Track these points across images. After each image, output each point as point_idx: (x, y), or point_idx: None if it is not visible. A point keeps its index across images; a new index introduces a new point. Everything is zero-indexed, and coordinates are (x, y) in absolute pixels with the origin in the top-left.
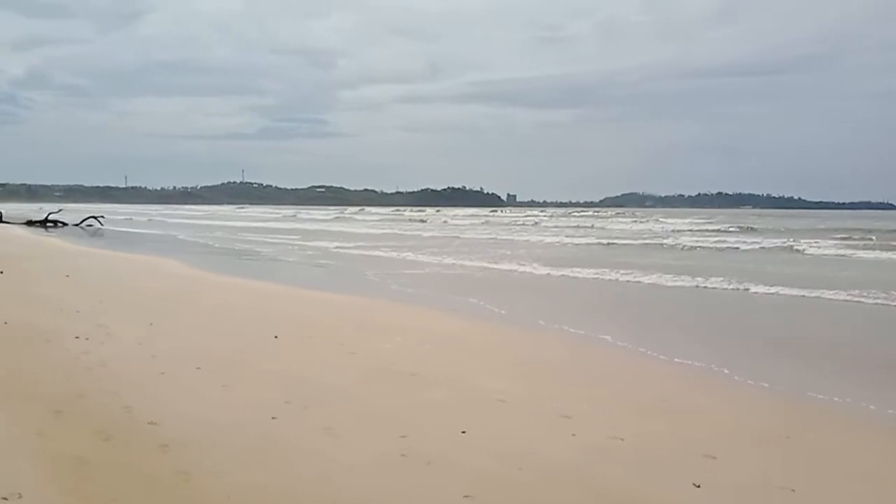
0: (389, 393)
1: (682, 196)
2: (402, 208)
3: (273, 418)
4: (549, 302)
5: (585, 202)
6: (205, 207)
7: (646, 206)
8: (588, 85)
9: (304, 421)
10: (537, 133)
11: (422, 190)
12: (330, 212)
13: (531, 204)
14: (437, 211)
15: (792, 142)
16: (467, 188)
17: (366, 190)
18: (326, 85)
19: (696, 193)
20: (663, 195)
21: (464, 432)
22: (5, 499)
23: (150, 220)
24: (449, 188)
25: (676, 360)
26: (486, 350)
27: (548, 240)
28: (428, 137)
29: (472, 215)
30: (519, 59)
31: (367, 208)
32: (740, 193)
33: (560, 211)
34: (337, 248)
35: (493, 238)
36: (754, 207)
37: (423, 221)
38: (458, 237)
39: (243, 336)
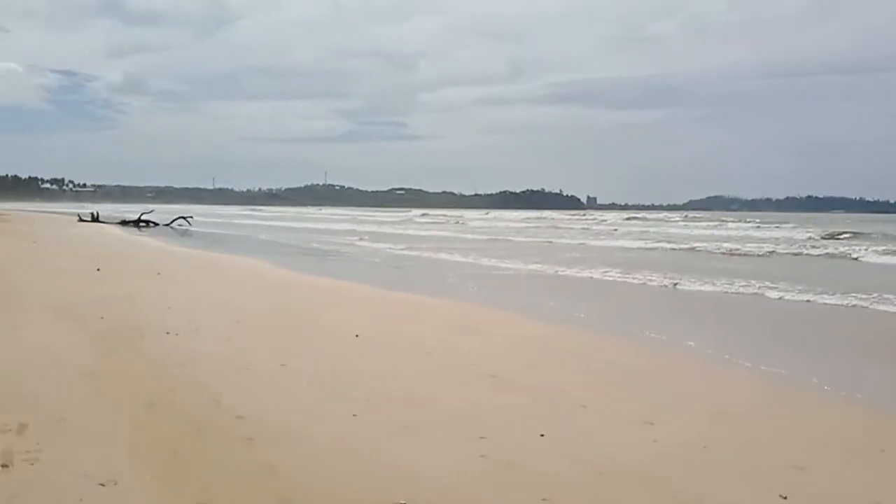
0: (468, 394)
1: (770, 200)
2: (468, 210)
3: (354, 415)
4: (629, 307)
5: (669, 205)
6: (287, 209)
7: (731, 210)
8: (672, 85)
9: (383, 419)
10: (619, 134)
11: (500, 192)
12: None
13: (612, 206)
14: (484, 214)
15: (886, 143)
16: (546, 190)
17: (444, 192)
18: (407, 88)
19: (784, 197)
20: (750, 198)
21: (542, 435)
22: (102, 485)
23: (235, 220)
24: (528, 190)
25: (763, 367)
26: (565, 353)
27: (628, 244)
28: (508, 139)
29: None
30: (601, 59)
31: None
32: (831, 197)
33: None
34: (407, 249)
35: (569, 242)
36: (846, 212)
37: (487, 224)
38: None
39: (325, 334)
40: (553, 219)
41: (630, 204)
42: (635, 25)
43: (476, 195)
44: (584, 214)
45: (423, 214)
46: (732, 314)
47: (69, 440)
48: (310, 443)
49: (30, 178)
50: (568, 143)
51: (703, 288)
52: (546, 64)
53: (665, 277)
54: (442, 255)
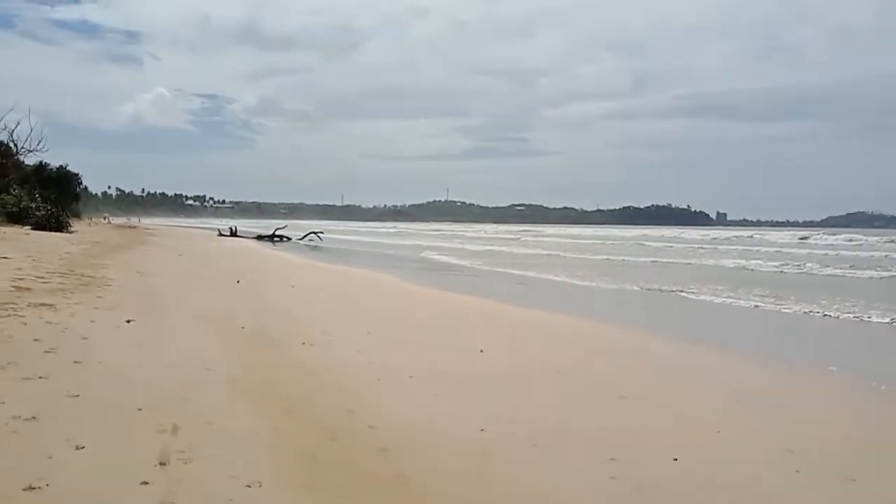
0: (597, 413)
1: None
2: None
3: (482, 430)
4: (766, 332)
5: (805, 221)
6: (411, 225)
7: (875, 227)
8: (812, 96)
9: (511, 435)
10: (752, 148)
11: (623, 208)
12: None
13: (743, 223)
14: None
15: None
16: (673, 206)
17: (565, 208)
18: (530, 104)
19: None
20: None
21: (676, 460)
22: (248, 486)
23: (362, 236)
24: (653, 206)
25: None
26: (696, 374)
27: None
28: (632, 154)
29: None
30: (733, 70)
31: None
32: None
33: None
34: (521, 268)
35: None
36: None
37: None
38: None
39: (451, 348)
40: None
41: (763, 220)
42: (769, 34)
43: (598, 211)
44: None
45: (523, 230)
46: (879, 341)
47: (217, 442)
48: (440, 455)
49: (175, 195)
50: (696, 157)
51: (844, 315)
52: (673, 76)
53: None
54: (557, 274)
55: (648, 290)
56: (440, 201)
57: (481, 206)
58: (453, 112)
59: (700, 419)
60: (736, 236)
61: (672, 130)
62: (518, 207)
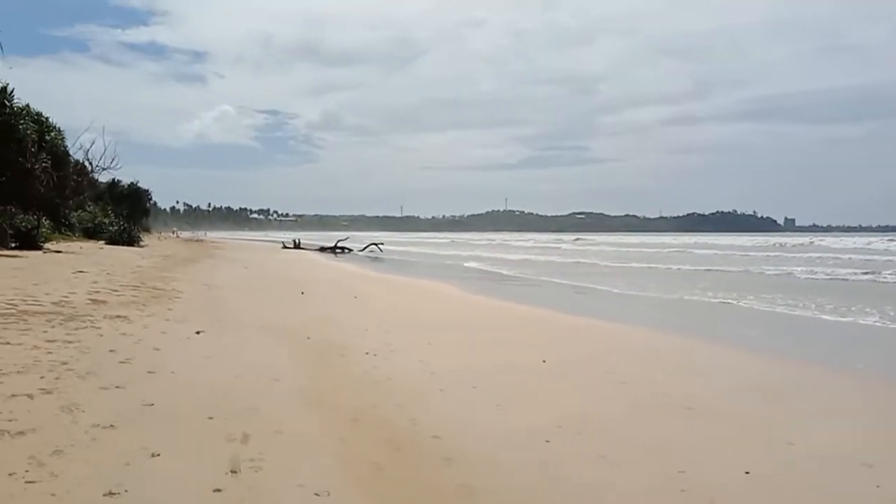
0: (664, 425)
1: None
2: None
3: (547, 441)
4: (837, 342)
5: (879, 226)
6: (469, 235)
7: None
8: (884, 96)
9: (577, 446)
10: (821, 150)
11: (687, 215)
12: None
13: (813, 228)
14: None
15: None
16: (738, 212)
17: (627, 215)
18: (589, 111)
19: None
20: None
21: (748, 473)
22: (317, 494)
23: (420, 248)
24: (717, 212)
25: None
26: (764, 383)
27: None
28: (695, 159)
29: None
30: (798, 71)
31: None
32: None
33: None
34: (584, 281)
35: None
36: None
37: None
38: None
39: (513, 358)
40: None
41: (834, 225)
42: (836, 33)
43: (661, 218)
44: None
45: (583, 239)
46: None
47: (286, 450)
48: (505, 466)
49: (240, 208)
50: (762, 162)
51: None
52: (736, 80)
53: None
54: (617, 284)
55: (706, 299)
56: (498, 211)
57: (540, 216)
58: (511, 122)
59: (770, 431)
60: (801, 243)
61: (736, 134)
62: (578, 216)
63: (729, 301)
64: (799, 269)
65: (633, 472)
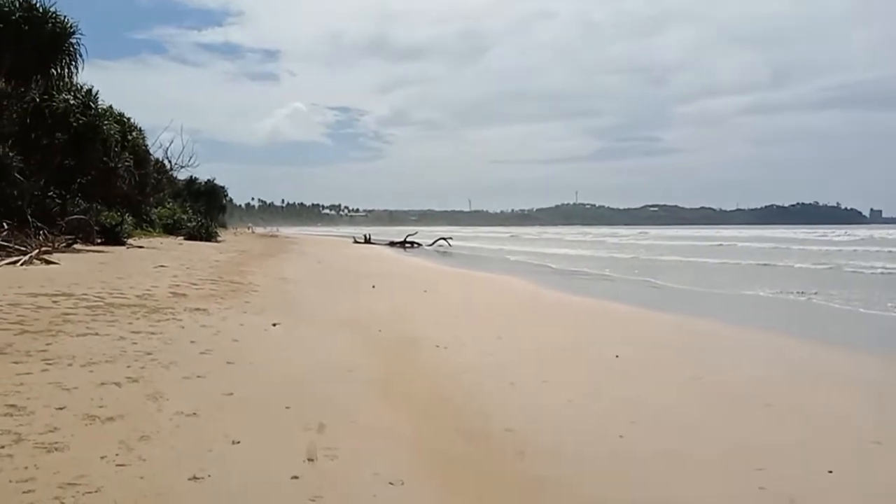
0: (741, 422)
1: None
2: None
3: (620, 437)
4: None
5: None
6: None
7: None
8: None
9: (651, 442)
10: None
11: (765, 207)
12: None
13: None
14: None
15: None
16: (820, 203)
17: (702, 208)
18: (662, 102)
19: None
20: None
21: (831, 472)
22: (391, 484)
23: (489, 243)
24: (798, 204)
25: None
26: (845, 382)
27: None
28: (774, 150)
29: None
30: (883, 57)
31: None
32: None
33: None
34: (656, 276)
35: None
36: None
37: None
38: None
39: (584, 352)
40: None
41: None
42: None
43: (738, 210)
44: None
45: (655, 233)
46: None
47: (360, 440)
48: (578, 460)
49: (312, 204)
50: (846, 151)
51: None
52: (816, 67)
53: None
54: (691, 279)
55: (783, 294)
56: (569, 204)
57: (612, 209)
58: (582, 113)
59: (854, 429)
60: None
61: (817, 124)
62: (651, 209)
63: (811, 298)
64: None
65: (709, 468)
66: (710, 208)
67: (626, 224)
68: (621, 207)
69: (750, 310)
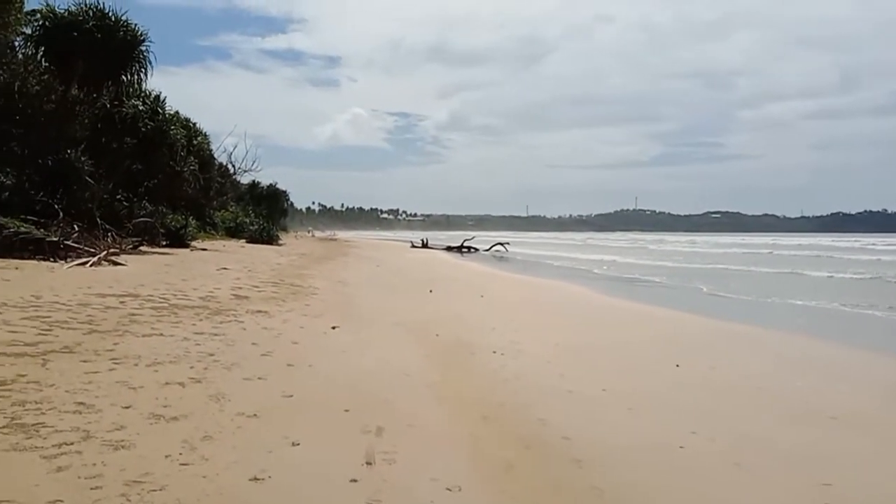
0: (805, 434)
1: None
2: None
3: (681, 447)
4: None
5: None
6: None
7: None
8: None
9: (711, 454)
10: None
11: (831, 214)
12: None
13: None
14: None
15: None
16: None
17: (765, 215)
18: (725, 106)
19: None
20: None
21: None
22: (449, 489)
23: (546, 249)
24: (865, 211)
25: None
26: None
27: None
28: (841, 155)
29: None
30: None
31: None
32: None
33: None
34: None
35: None
36: None
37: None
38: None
39: (644, 361)
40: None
41: None
42: None
43: (803, 217)
44: None
45: (717, 241)
46: None
47: (418, 444)
48: (636, 470)
49: (371, 208)
50: None
51: None
52: (887, 70)
53: None
54: (752, 288)
55: (847, 308)
56: (628, 210)
57: (672, 215)
58: (642, 118)
59: None
60: None
61: (887, 128)
62: (713, 215)
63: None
64: None
65: (771, 482)
66: (773, 215)
67: (686, 230)
68: (682, 214)
69: (817, 321)
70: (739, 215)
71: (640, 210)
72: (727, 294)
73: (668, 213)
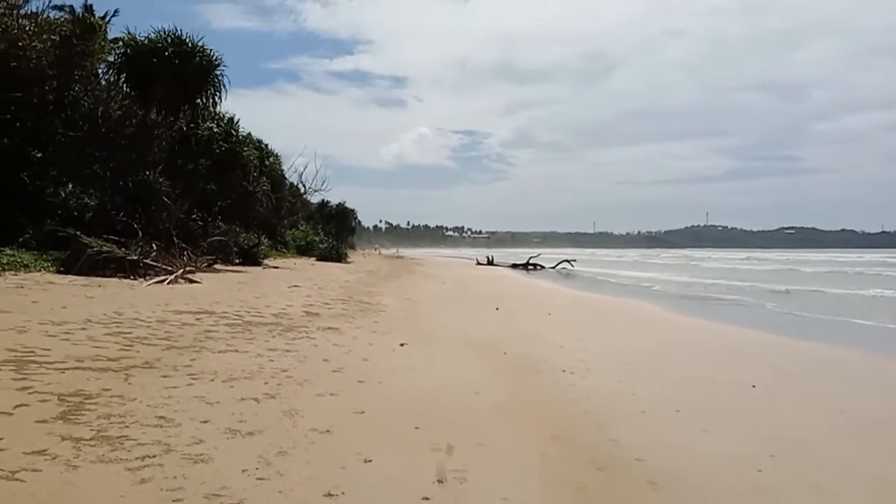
0: (888, 455)
1: None
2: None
3: (759, 471)
4: None
5: None
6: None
7: None
8: None
9: (792, 476)
10: None
11: None
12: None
13: None
14: None
15: None
16: None
17: (843, 230)
18: (798, 119)
19: None
20: None
21: None
22: None
23: (615, 268)
24: None
25: None
26: None
27: None
28: None
29: None
30: None
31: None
32: None
33: None
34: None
35: None
36: None
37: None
38: None
39: (718, 381)
40: None
41: None
42: None
43: (883, 233)
44: None
45: (795, 258)
46: None
47: (489, 463)
48: (714, 492)
49: (436, 226)
50: None
51: None
52: None
53: None
54: (832, 309)
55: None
56: (699, 226)
57: (744, 230)
58: (712, 132)
59: None
60: None
61: None
62: (787, 231)
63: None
64: None
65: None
66: (851, 230)
67: (759, 247)
68: (755, 230)
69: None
70: (815, 230)
71: (710, 226)
72: (808, 314)
73: (741, 230)
